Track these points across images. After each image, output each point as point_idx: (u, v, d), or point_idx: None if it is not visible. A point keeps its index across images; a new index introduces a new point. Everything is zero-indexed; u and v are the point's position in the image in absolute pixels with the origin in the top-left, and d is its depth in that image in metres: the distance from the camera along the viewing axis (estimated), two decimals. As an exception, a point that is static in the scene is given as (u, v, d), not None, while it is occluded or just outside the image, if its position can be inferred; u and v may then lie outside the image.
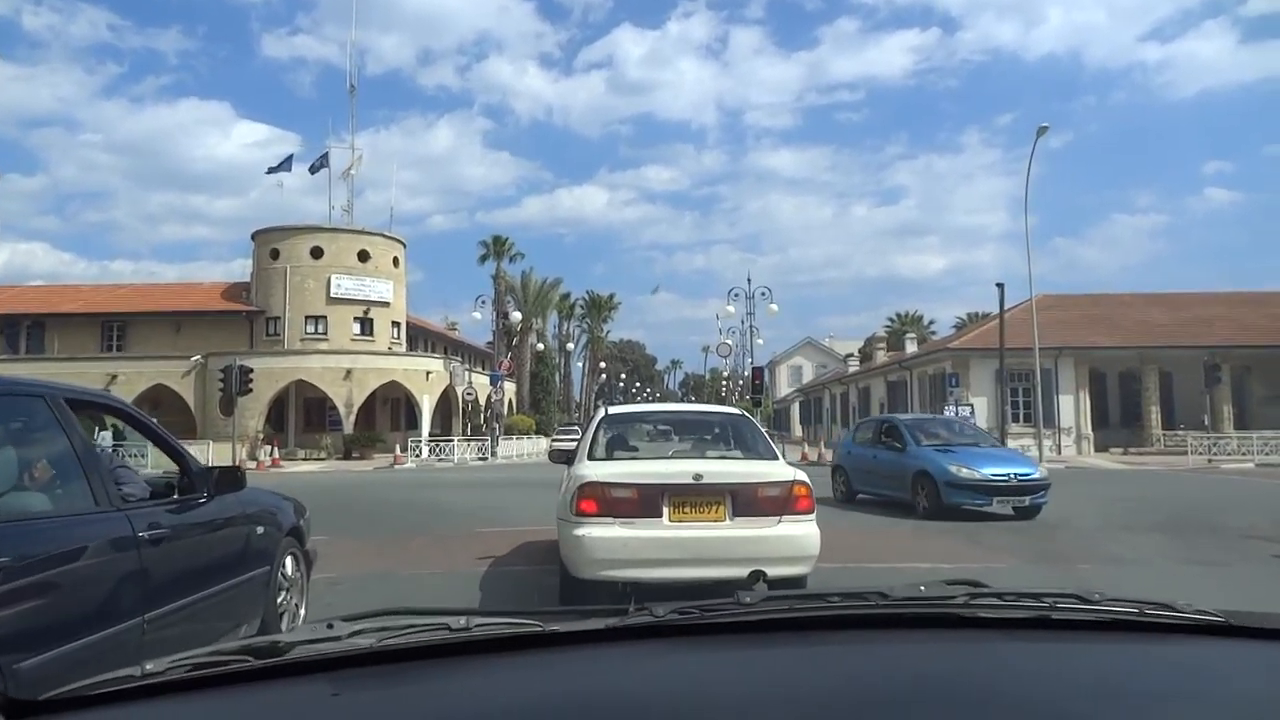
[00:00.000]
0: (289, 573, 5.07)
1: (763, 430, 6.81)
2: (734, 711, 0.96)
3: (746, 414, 7.17)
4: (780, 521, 5.52)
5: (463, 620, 1.16)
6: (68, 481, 3.31)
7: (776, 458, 6.26)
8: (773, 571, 4.80)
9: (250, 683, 1.06)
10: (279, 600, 4.88)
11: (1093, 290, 39.78)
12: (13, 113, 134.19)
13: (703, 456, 6.47)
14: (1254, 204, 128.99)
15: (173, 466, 4.43)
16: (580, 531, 5.46)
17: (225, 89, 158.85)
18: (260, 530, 4.68)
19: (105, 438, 23.12)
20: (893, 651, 1.18)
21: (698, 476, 5.53)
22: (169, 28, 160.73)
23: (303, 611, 5.18)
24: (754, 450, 6.38)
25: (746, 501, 5.53)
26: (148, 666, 1.08)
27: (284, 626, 4.84)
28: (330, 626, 1.17)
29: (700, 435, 7.11)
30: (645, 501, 5.45)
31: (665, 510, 5.47)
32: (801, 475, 5.71)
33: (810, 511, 5.63)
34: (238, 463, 28.16)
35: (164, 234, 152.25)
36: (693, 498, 5.50)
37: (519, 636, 1.15)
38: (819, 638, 1.21)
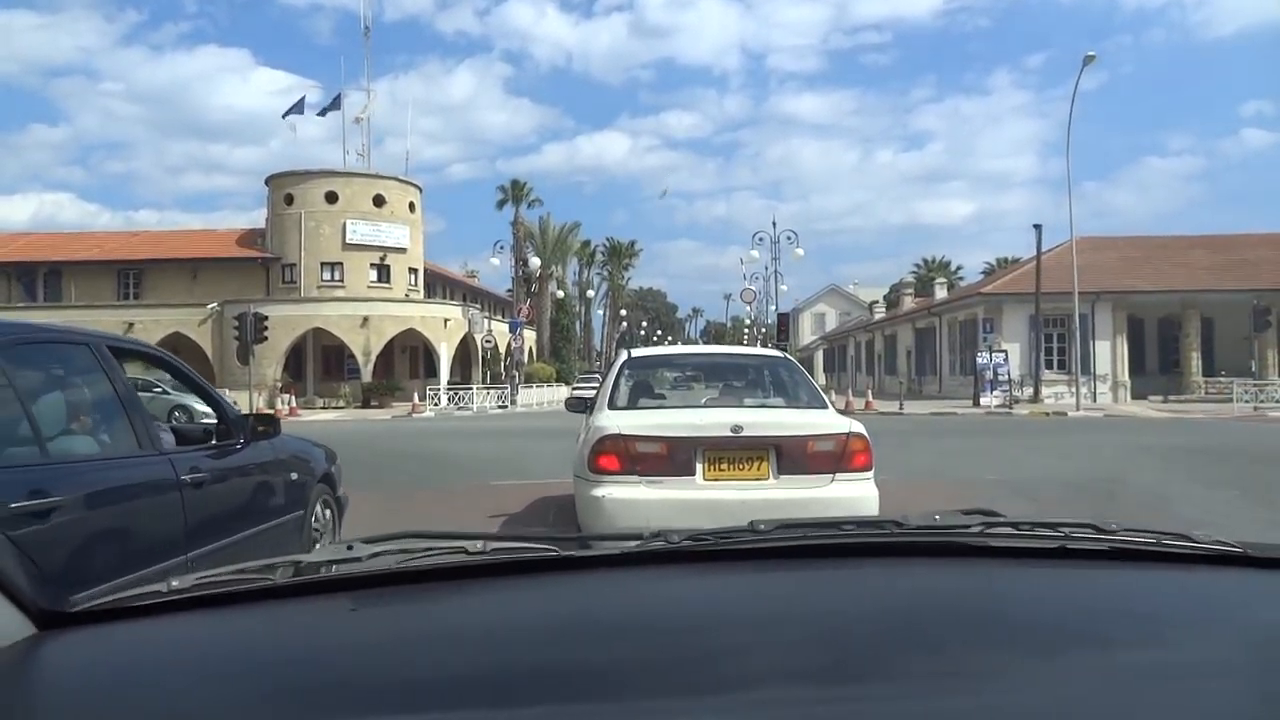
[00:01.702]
0: (322, 518, 5.12)
1: (807, 375, 6.01)
2: (747, 633, 0.96)
3: (789, 357, 6.37)
4: (834, 480, 4.76)
5: (480, 544, 1.16)
6: (113, 426, 3.41)
7: (825, 406, 5.47)
8: None
9: (272, 599, 1.09)
10: (313, 545, 4.86)
11: (1124, 234, 38.10)
12: (35, 62, 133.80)
13: (740, 405, 5.70)
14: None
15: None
16: (600, 492, 4.75)
17: (244, 36, 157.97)
18: (294, 476, 4.71)
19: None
20: (906, 578, 1.16)
21: (737, 428, 4.76)
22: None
23: None
24: (798, 398, 5.61)
25: (794, 457, 4.77)
26: (174, 583, 1.10)
27: None
28: (350, 548, 1.18)
29: (735, 381, 6.32)
30: (676, 457, 4.73)
31: (699, 468, 4.73)
32: (857, 426, 4.94)
33: (868, 469, 4.86)
34: (255, 411, 27.91)
35: (186, 184, 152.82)
36: (731, 453, 4.75)
37: (535, 560, 1.16)
38: (832, 564, 1.20)
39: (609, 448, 4.77)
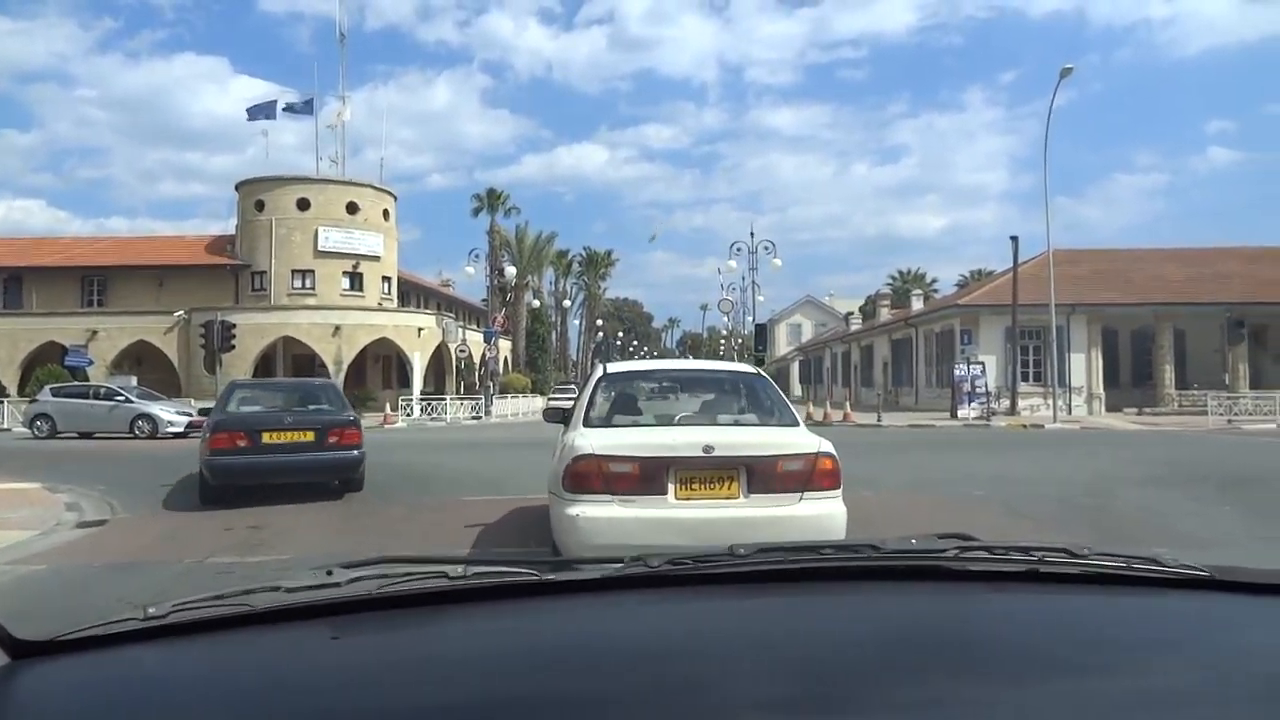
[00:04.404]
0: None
1: (780, 392, 6.02)
2: (727, 661, 0.96)
3: (762, 373, 6.36)
4: (801, 499, 4.81)
5: (460, 568, 1.16)
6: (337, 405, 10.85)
7: (797, 423, 5.53)
8: None
9: (251, 626, 1.08)
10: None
11: (1093, 248, 38.30)
12: (7, 67, 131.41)
13: (713, 423, 5.68)
14: (1256, 163, 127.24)
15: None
16: (574, 511, 4.77)
17: (222, 44, 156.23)
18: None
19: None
20: (883, 602, 1.18)
21: (708, 448, 4.82)
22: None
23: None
24: (770, 415, 5.62)
25: (764, 477, 4.83)
26: (150, 610, 1.07)
27: None
28: (330, 573, 1.17)
29: (709, 396, 6.29)
30: (648, 477, 4.77)
31: (671, 487, 4.78)
32: (826, 445, 4.97)
33: (836, 487, 4.91)
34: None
35: (160, 191, 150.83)
36: (703, 472, 4.80)
37: (515, 585, 1.16)
38: (811, 588, 1.21)
39: (583, 467, 4.81)
